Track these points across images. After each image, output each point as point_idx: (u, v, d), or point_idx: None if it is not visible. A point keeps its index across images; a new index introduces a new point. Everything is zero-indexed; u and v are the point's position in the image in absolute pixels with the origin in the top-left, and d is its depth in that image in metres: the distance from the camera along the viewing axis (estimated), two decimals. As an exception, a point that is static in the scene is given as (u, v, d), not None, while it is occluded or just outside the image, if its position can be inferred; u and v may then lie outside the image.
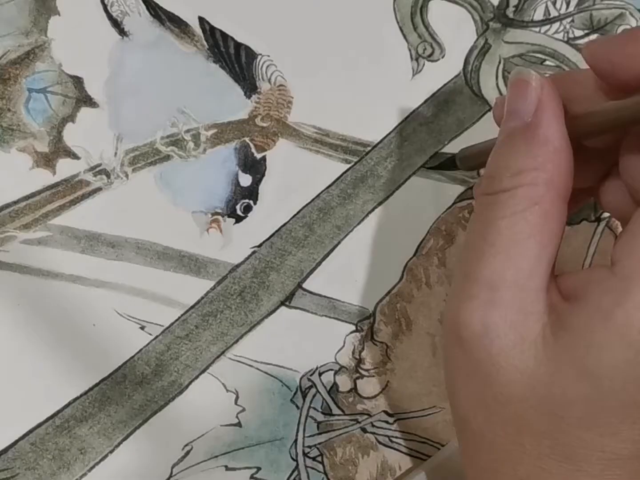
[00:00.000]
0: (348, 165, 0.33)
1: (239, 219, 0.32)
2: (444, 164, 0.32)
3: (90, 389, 0.30)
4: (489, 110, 0.35)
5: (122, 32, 0.32)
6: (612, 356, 0.21)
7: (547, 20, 0.36)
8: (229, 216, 0.32)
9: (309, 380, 0.32)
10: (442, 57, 0.35)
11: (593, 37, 0.36)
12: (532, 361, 0.22)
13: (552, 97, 0.24)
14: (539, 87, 0.24)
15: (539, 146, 0.23)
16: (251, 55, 0.33)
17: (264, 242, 0.32)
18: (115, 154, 0.31)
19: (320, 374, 0.32)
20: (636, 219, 0.22)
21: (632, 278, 0.21)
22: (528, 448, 0.23)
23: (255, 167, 0.32)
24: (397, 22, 0.35)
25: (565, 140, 0.23)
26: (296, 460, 0.31)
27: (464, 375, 0.24)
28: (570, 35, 0.36)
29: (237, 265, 0.32)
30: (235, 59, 0.33)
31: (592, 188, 0.27)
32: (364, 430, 0.32)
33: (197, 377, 0.31)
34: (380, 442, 0.32)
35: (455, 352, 0.24)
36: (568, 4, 0.36)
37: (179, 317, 0.31)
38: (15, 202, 0.30)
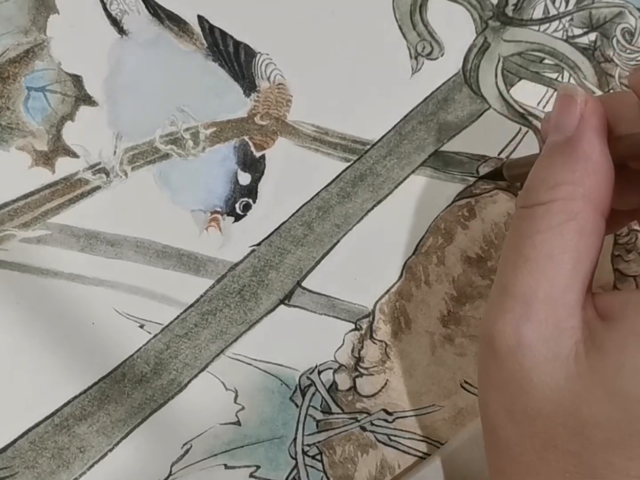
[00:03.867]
0: (347, 164, 0.33)
1: (238, 218, 0.32)
2: (493, 174, 0.32)
3: (90, 387, 0.30)
4: (488, 108, 0.35)
5: (121, 30, 0.32)
6: None
7: (546, 19, 0.36)
8: (228, 215, 0.32)
9: (308, 378, 0.32)
10: (441, 56, 0.35)
11: (592, 35, 0.36)
12: (563, 378, 0.22)
13: (595, 113, 0.24)
14: (582, 103, 0.24)
15: (578, 161, 0.23)
16: (250, 53, 0.33)
17: (263, 240, 0.32)
18: (115, 152, 0.31)
19: (319, 373, 0.32)
20: None
21: None
22: (553, 464, 0.22)
23: (254, 165, 0.32)
24: (396, 21, 0.35)
25: (606, 157, 0.23)
26: (295, 459, 0.31)
27: (496, 386, 0.24)
28: (570, 34, 0.36)
29: (236, 264, 0.32)
30: (234, 57, 0.33)
31: (637, 211, 0.27)
32: (363, 428, 0.32)
33: (196, 375, 0.31)
34: (379, 441, 0.32)
35: (489, 364, 0.24)
36: (567, 3, 0.36)
37: (178, 316, 0.31)
38: (14, 201, 0.30)
